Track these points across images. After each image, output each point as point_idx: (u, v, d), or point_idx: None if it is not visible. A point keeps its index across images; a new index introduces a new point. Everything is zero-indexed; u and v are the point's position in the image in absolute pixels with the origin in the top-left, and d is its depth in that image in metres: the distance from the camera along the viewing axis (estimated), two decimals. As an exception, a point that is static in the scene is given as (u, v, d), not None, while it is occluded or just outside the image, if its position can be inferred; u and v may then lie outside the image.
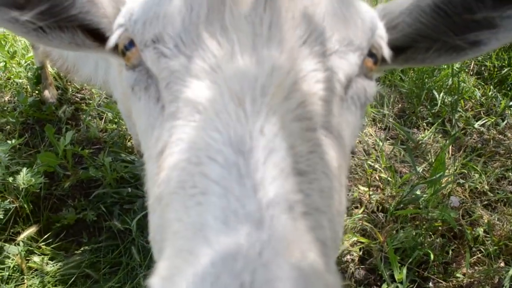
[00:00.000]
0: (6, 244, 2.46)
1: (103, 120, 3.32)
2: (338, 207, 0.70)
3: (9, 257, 2.43)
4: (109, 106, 3.22)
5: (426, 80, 4.20)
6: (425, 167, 3.24)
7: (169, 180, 0.65)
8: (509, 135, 4.04)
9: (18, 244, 2.46)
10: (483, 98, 4.45)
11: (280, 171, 0.57)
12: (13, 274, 2.41)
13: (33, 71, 3.31)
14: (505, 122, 4.13)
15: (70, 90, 3.61)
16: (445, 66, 4.33)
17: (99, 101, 3.43)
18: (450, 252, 2.78)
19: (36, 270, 2.44)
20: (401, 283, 2.47)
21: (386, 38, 0.88)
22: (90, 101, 3.44)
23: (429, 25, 0.92)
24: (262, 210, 0.52)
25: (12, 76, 3.53)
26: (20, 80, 3.49)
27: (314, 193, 0.61)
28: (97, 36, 0.97)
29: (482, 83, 4.71)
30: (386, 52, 0.87)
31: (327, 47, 0.75)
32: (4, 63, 3.48)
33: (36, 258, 2.46)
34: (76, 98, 3.57)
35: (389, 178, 3.10)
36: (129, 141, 3.18)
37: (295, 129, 0.63)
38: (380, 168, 3.20)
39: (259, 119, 0.60)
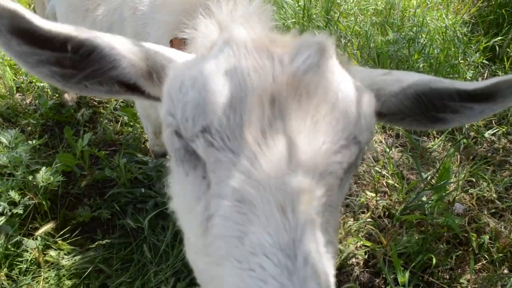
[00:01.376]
0: (24, 239, 2.58)
1: (119, 123, 3.45)
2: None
3: (27, 251, 2.55)
4: (125, 110, 3.34)
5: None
6: (433, 174, 3.29)
7: (221, 247, 0.84)
8: (520, 144, 4.05)
9: (36, 239, 2.58)
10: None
11: (315, 272, 0.77)
12: (30, 267, 2.53)
13: (54, 75, 3.45)
14: (516, 132, 4.15)
15: (89, 94, 3.75)
16: (457, 75, 4.37)
17: (115, 105, 3.56)
18: (454, 257, 2.82)
19: (52, 263, 2.55)
20: (404, 286, 2.51)
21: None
22: (107, 105, 3.57)
23: (408, 106, 1.15)
24: None
25: (34, 80, 3.69)
26: (42, 84, 3.65)
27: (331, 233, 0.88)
28: (130, 85, 1.11)
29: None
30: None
31: (340, 146, 0.91)
32: (27, 68, 3.64)
33: (52, 253, 2.58)
34: (94, 102, 3.71)
35: (396, 184, 3.16)
36: (143, 144, 3.29)
37: (322, 229, 0.84)
38: (387, 175, 3.26)
39: (298, 228, 0.79)
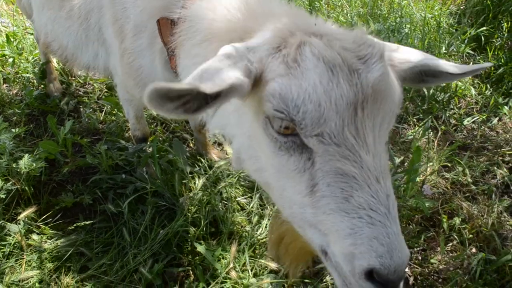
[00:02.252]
0: (8, 223, 2.67)
1: (103, 112, 3.53)
2: None
3: (10, 235, 2.64)
4: (108, 99, 3.42)
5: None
6: (406, 158, 3.39)
7: (329, 202, 1.20)
8: (501, 131, 4.13)
9: (19, 223, 2.67)
10: (480, 96, 4.55)
11: (395, 220, 1.18)
12: (13, 251, 2.62)
13: (39, 66, 3.54)
14: (497, 119, 4.23)
15: (74, 84, 3.83)
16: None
17: (99, 95, 3.65)
18: (425, 239, 2.92)
19: (35, 247, 2.64)
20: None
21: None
22: (92, 95, 3.65)
23: (411, 77, 1.50)
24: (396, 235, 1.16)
25: (20, 71, 3.77)
26: (28, 75, 3.73)
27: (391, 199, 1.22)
28: None
29: (480, 82, 4.80)
30: None
31: (392, 124, 1.33)
32: (13, 59, 3.72)
33: (35, 236, 2.66)
34: (79, 92, 3.79)
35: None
36: (126, 131, 3.38)
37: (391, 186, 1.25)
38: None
39: (387, 190, 1.20)
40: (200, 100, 1.16)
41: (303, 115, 1.18)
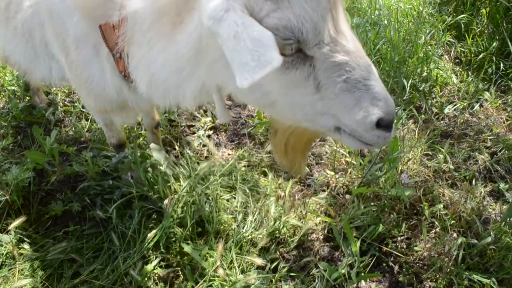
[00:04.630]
0: (-1, 234, 2.73)
1: (89, 120, 3.59)
2: None
3: (2, 245, 2.70)
4: (92, 107, 3.48)
5: (397, 69, 4.39)
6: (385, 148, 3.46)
7: (334, 90, 1.49)
8: (482, 117, 4.21)
9: (10, 234, 2.73)
10: (462, 84, 4.62)
11: (379, 79, 1.51)
12: (6, 261, 2.68)
13: (22, 79, 3.59)
14: (478, 105, 4.31)
15: (59, 94, 3.89)
16: (415, 53, 4.52)
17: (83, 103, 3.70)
18: (408, 227, 3.00)
19: (27, 256, 2.70)
20: (357, 256, 2.68)
21: None
22: (76, 104, 3.71)
23: None
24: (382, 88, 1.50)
25: (5, 84, 3.82)
26: (13, 87, 3.78)
27: None
28: None
29: (461, 69, 4.88)
30: None
31: None
32: (-3, 73, 3.78)
33: (26, 246, 2.73)
34: (65, 102, 3.85)
35: (354, 162, 3.32)
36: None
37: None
38: (345, 153, 3.42)
39: (368, 61, 1.50)
40: None
41: (306, 34, 1.42)
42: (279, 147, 1.98)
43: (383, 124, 1.50)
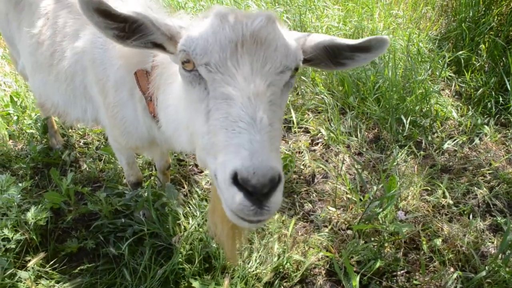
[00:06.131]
0: (18, 270, 2.89)
1: (102, 161, 3.80)
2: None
3: (21, 281, 2.86)
4: (105, 149, 3.70)
5: (396, 106, 4.56)
6: (384, 185, 3.59)
7: (216, 124, 1.42)
8: (482, 151, 4.33)
9: (29, 270, 2.89)
10: (462, 118, 4.77)
11: (261, 131, 1.35)
12: (24, 296, 2.83)
13: (40, 122, 3.83)
14: (477, 139, 4.44)
15: (74, 136, 4.12)
16: (414, 91, 4.69)
17: (98, 145, 3.92)
18: (408, 261, 3.11)
19: (44, 292, 2.86)
20: (358, 289, 2.79)
21: (302, 59, 1.69)
22: (91, 146, 3.93)
23: (321, 54, 1.81)
24: (259, 142, 1.33)
25: (24, 128, 4.06)
26: (31, 131, 4.02)
27: (275, 132, 1.43)
28: (159, 44, 1.75)
29: (461, 104, 5.03)
30: (301, 65, 1.70)
31: (279, 71, 1.53)
32: (17, 117, 4.02)
33: (44, 282, 2.88)
34: (80, 143, 4.07)
35: (354, 199, 3.46)
36: (124, 178, 3.62)
37: (270, 112, 1.43)
38: (346, 190, 3.56)
39: (257, 106, 1.39)
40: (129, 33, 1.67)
41: (195, 46, 1.52)
42: (213, 225, 1.95)
43: (240, 182, 1.25)
